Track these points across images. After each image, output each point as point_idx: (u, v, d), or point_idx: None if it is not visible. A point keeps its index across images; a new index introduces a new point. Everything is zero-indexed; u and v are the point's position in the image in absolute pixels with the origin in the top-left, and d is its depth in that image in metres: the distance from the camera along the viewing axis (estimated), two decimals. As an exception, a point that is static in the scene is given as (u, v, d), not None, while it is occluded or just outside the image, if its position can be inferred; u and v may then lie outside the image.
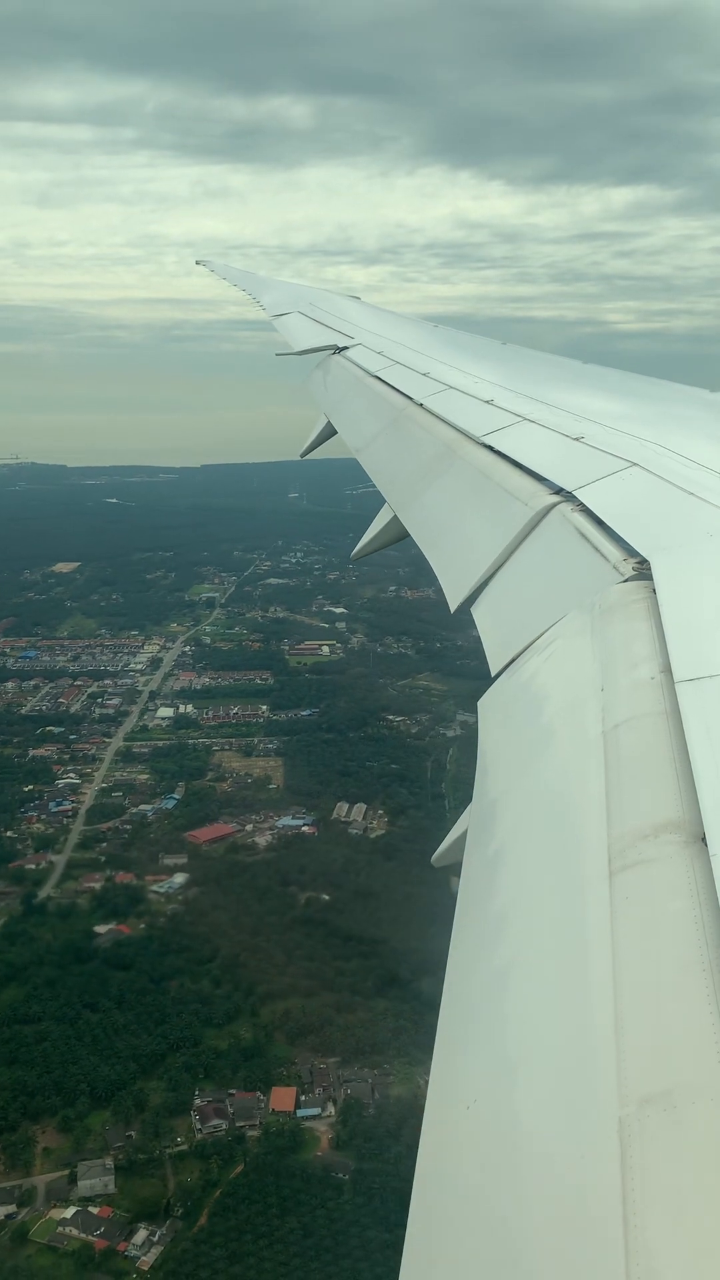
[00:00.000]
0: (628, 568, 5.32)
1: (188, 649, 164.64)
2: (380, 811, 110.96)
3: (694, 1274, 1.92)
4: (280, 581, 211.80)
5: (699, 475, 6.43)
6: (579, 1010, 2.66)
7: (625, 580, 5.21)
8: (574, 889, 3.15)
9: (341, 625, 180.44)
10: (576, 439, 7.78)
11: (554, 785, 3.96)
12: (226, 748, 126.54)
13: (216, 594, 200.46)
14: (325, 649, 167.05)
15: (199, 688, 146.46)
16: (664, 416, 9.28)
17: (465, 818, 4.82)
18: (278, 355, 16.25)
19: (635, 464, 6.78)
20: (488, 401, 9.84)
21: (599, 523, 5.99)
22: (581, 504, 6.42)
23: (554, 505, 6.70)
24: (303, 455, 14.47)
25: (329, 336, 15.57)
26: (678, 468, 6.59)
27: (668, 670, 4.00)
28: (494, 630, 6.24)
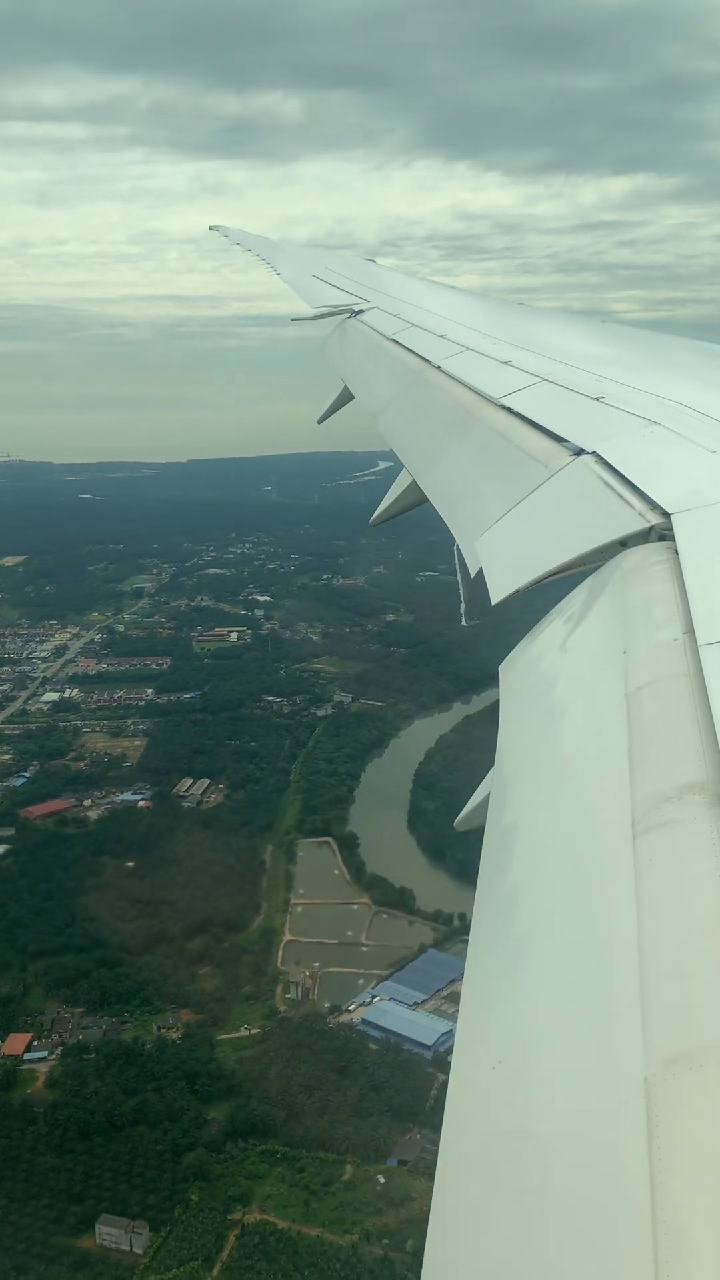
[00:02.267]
0: (652, 517, 5.24)
1: (98, 637, 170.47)
2: (221, 786, 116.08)
3: None
4: (218, 571, 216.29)
5: None
6: (604, 971, 2.66)
7: (647, 534, 5.14)
8: (598, 851, 3.17)
9: (260, 613, 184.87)
10: (597, 399, 7.67)
11: (577, 748, 3.97)
12: (98, 729, 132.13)
13: (149, 584, 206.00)
14: (234, 635, 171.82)
15: (93, 673, 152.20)
16: (686, 374, 9.10)
17: (488, 781, 4.84)
18: (292, 320, 15.99)
19: (657, 423, 6.66)
20: (506, 362, 9.65)
21: (621, 478, 5.94)
22: (603, 460, 6.34)
23: (574, 462, 6.67)
24: (320, 421, 14.59)
25: (345, 299, 15.36)
26: (701, 427, 6.47)
27: (691, 632, 3.98)
28: (499, 563, 6.07)
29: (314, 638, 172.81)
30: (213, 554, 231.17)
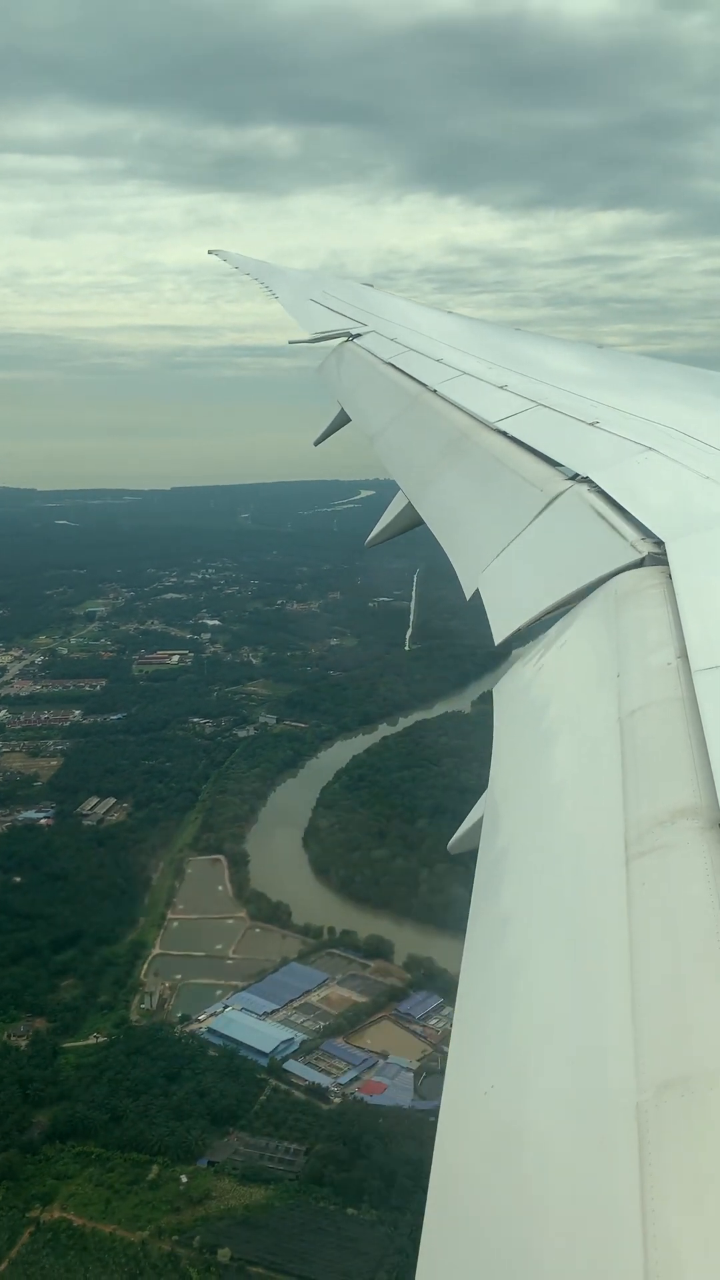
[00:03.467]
0: (645, 547, 5.27)
1: (40, 659, 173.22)
2: (125, 805, 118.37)
3: (714, 1260, 1.91)
4: (176, 596, 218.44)
5: (717, 460, 6.41)
6: (596, 996, 2.68)
7: (641, 564, 5.17)
8: (590, 875, 3.20)
9: (207, 636, 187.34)
10: (592, 424, 7.73)
11: (570, 771, 4.02)
12: (18, 749, 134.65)
13: (104, 608, 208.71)
14: (175, 658, 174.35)
15: (25, 695, 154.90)
16: (681, 401, 9.22)
17: (481, 804, 4.85)
18: (290, 343, 16.07)
19: (652, 449, 6.72)
20: (502, 387, 9.74)
21: (615, 506, 5.98)
22: (598, 488, 6.41)
23: (569, 489, 6.70)
24: (316, 443, 14.69)
25: (342, 324, 15.55)
26: (695, 452, 6.57)
27: (684, 656, 4.02)
28: (499, 604, 6.17)
29: (254, 661, 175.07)
30: (174, 579, 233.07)
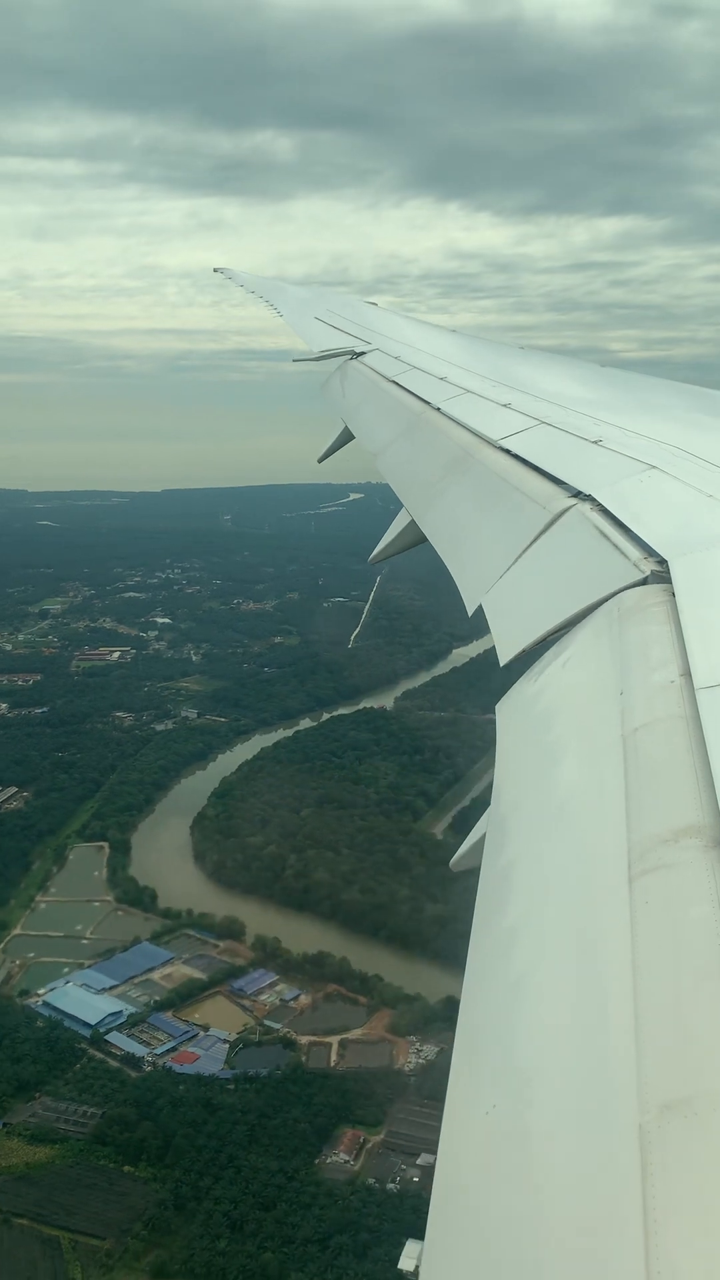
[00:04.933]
0: (647, 566, 5.29)
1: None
2: (26, 794, 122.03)
3: None
4: (135, 595, 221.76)
5: (719, 478, 6.43)
6: (599, 1016, 2.67)
7: (644, 582, 5.18)
8: (593, 894, 3.19)
9: (154, 634, 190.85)
10: (595, 442, 7.80)
11: (572, 789, 3.99)
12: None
13: (60, 605, 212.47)
14: (115, 654, 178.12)
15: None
16: (683, 419, 9.32)
17: (484, 821, 4.85)
18: (294, 360, 16.26)
19: (655, 467, 6.76)
20: (505, 405, 9.86)
21: (618, 524, 6.00)
22: (601, 506, 6.42)
23: (572, 508, 6.71)
24: (320, 460, 14.71)
25: (346, 342, 15.64)
26: (698, 470, 6.60)
27: (688, 674, 4.03)
28: (504, 624, 6.17)
29: (194, 658, 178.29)
30: (137, 578, 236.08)
